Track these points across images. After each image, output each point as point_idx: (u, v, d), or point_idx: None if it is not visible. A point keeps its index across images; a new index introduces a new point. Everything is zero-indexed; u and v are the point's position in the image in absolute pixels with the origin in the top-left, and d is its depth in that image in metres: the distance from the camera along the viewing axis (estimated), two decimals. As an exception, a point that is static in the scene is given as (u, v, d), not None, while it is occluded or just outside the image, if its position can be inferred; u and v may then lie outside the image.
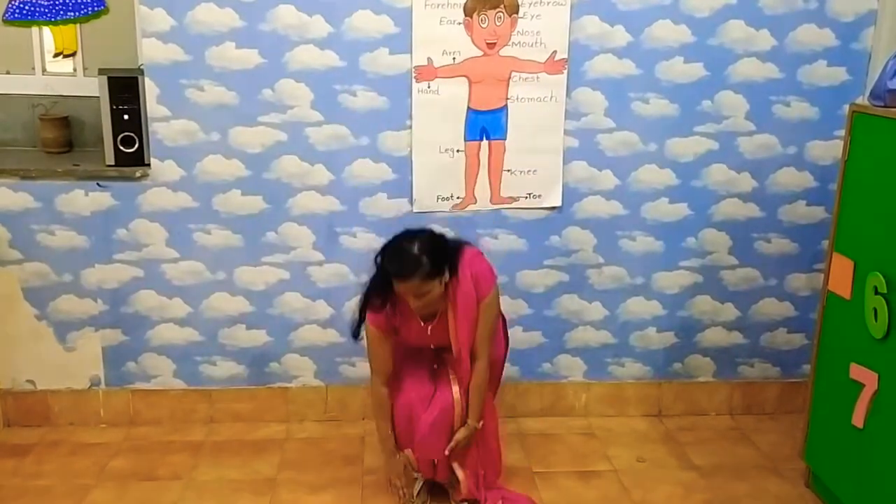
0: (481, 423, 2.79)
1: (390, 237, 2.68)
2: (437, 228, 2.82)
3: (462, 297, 2.67)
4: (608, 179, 3.37)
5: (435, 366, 2.88)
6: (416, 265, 2.53)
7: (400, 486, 2.88)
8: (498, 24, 3.18)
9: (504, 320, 3.01)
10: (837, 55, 3.30)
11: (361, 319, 2.75)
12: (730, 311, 3.55)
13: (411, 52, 3.17)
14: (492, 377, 2.89)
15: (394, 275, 2.57)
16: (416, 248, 2.56)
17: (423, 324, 2.74)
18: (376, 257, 2.65)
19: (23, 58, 3.46)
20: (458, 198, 3.32)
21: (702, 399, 3.62)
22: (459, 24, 3.16)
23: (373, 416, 2.96)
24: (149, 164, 3.22)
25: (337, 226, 3.33)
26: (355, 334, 2.79)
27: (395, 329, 2.78)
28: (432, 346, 2.84)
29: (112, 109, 3.16)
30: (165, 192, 3.25)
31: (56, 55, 3.50)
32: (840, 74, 3.32)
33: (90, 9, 3.44)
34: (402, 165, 3.28)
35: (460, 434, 2.76)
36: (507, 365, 3.11)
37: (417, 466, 2.85)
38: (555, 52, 3.21)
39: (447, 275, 2.62)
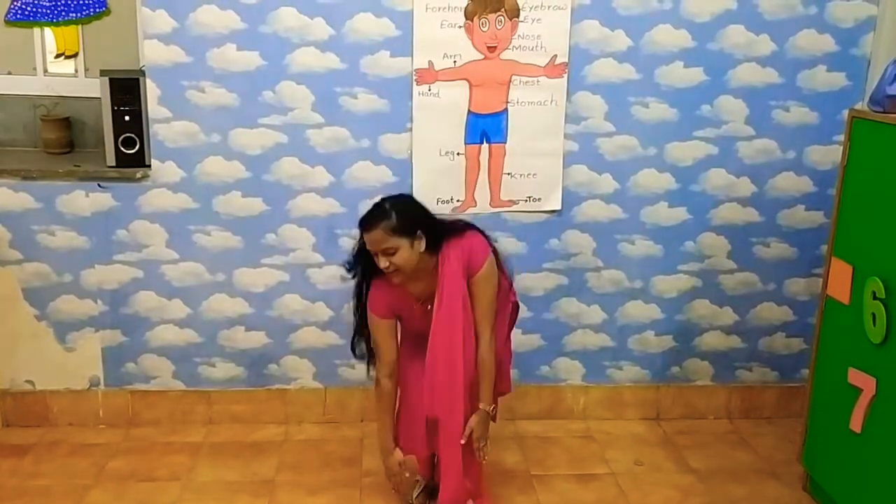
0: (493, 407, 2.74)
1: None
2: (431, 209, 2.75)
3: (449, 276, 2.62)
4: (608, 183, 3.38)
5: None
6: (382, 216, 2.55)
7: (395, 484, 2.88)
8: (499, 27, 3.19)
9: (514, 316, 2.93)
10: (837, 60, 3.31)
11: (359, 315, 2.75)
12: (728, 316, 3.55)
13: (412, 55, 3.18)
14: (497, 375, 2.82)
15: (360, 226, 2.58)
16: (387, 204, 2.59)
17: (420, 305, 2.69)
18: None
19: (24, 58, 3.47)
20: (458, 201, 3.32)
21: (700, 403, 3.63)
22: (460, 27, 3.17)
23: (374, 409, 2.90)
24: (149, 166, 3.23)
25: (337, 228, 3.33)
26: (353, 347, 2.81)
27: (395, 314, 2.73)
28: None
29: (113, 110, 3.17)
30: (166, 194, 3.26)
31: (57, 56, 3.50)
32: (839, 80, 3.33)
33: (92, 10, 3.45)
34: (403, 168, 3.28)
35: (472, 421, 2.68)
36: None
37: (416, 470, 2.83)
38: (555, 55, 3.22)
39: (423, 242, 2.58)
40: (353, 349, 2.84)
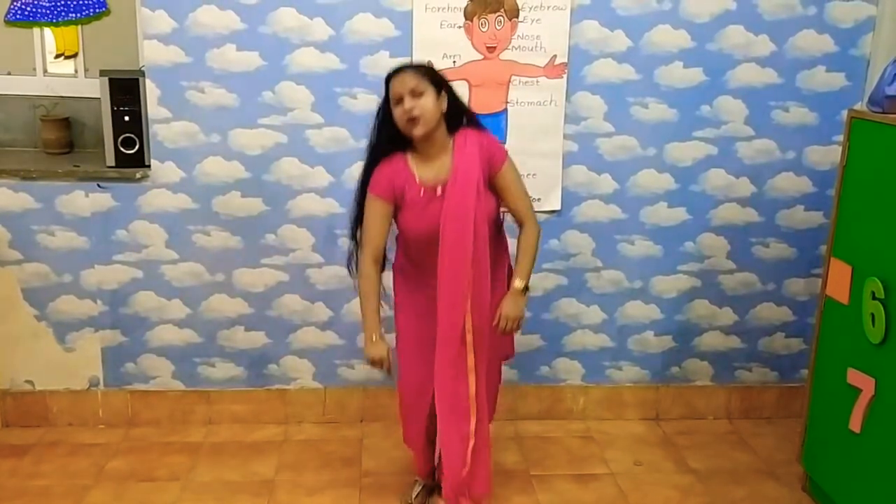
0: (527, 287, 2.60)
1: None
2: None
3: (466, 155, 2.53)
4: (607, 183, 3.38)
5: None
6: (412, 64, 2.61)
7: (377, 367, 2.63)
8: (498, 27, 3.19)
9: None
10: (836, 61, 3.31)
11: (363, 191, 2.60)
12: (728, 316, 3.56)
13: (412, 56, 3.18)
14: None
15: (389, 75, 2.52)
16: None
17: (427, 189, 2.54)
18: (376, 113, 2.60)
19: (24, 59, 3.47)
20: (457, 201, 3.32)
21: (699, 403, 3.63)
22: (460, 27, 3.17)
23: (358, 293, 2.64)
24: (149, 166, 3.23)
25: (336, 228, 3.33)
26: (353, 234, 2.65)
27: (394, 197, 2.56)
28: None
29: (113, 111, 3.17)
30: (165, 194, 3.26)
31: (57, 56, 3.51)
32: (839, 80, 3.33)
33: (91, 10, 3.45)
34: (402, 168, 3.28)
35: (506, 305, 2.57)
36: (504, 368, 3.08)
37: (388, 367, 2.60)
38: (554, 56, 3.22)
39: (445, 101, 2.52)
40: (352, 235, 2.66)
